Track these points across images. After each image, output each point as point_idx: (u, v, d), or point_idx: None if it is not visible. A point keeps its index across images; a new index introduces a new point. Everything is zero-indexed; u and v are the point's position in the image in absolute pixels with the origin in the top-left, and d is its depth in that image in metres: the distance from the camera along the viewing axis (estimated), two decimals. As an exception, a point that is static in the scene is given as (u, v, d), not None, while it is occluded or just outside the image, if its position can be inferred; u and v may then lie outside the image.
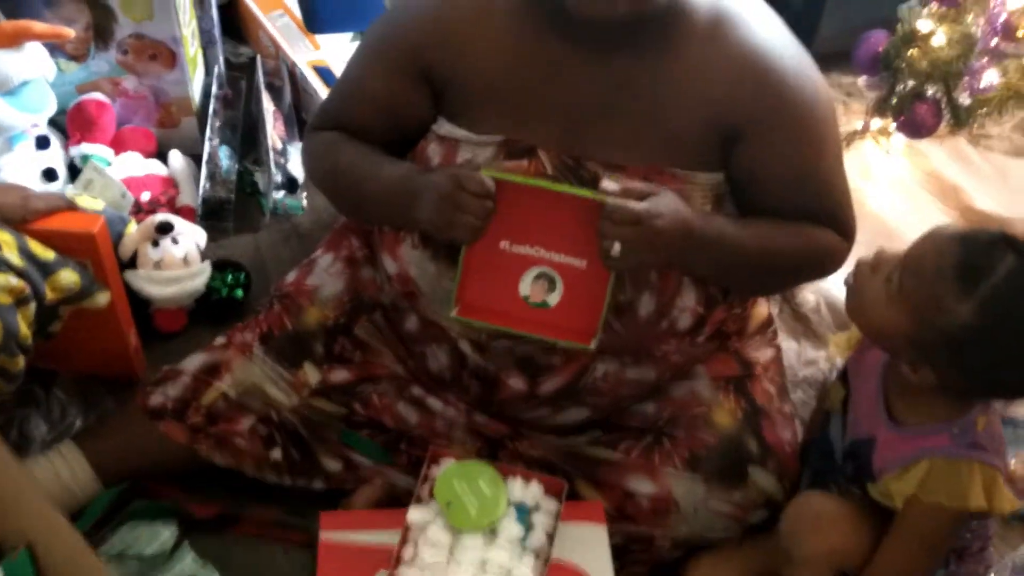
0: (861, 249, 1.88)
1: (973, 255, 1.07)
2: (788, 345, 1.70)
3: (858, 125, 2.05)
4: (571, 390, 1.30)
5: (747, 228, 1.22)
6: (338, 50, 2.00)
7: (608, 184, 1.10)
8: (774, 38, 1.21)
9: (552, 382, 1.29)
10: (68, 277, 1.27)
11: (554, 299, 1.16)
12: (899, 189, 2.04)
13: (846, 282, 1.22)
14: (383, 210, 1.28)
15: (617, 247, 1.08)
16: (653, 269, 1.19)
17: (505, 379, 1.30)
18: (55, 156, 1.74)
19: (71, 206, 1.37)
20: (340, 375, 1.35)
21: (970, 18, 1.70)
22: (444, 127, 1.26)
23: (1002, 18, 1.56)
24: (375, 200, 1.27)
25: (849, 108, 2.21)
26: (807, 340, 1.74)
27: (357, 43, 1.99)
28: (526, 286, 1.16)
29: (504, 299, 1.17)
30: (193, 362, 1.37)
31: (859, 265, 1.21)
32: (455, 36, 1.22)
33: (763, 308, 1.47)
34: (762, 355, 1.42)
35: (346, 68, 1.36)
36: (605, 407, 1.34)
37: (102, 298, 1.34)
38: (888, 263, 1.16)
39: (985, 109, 1.67)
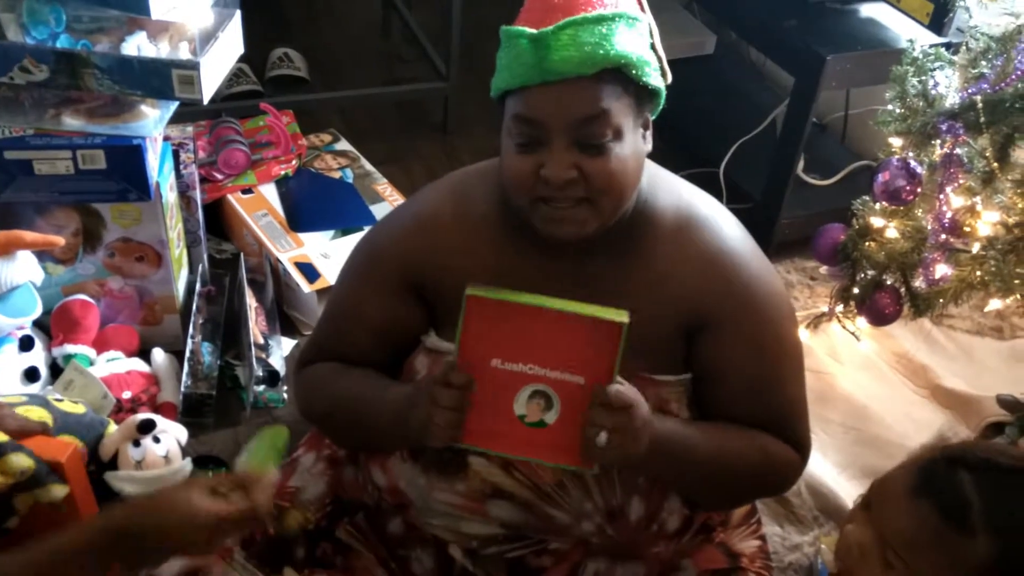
0: (837, 430, 1.94)
1: (945, 499, 1.07)
2: (772, 530, 1.69)
3: (824, 308, 2.11)
4: None
5: (700, 431, 1.22)
6: (321, 247, 2.07)
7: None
8: (739, 242, 1.25)
9: None
10: (20, 462, 1.24)
11: (551, 417, 1.10)
12: (869, 370, 2.08)
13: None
14: (386, 433, 1.25)
15: (604, 436, 1.06)
16: (626, 467, 1.17)
17: None
18: (37, 356, 1.76)
19: (45, 430, 1.36)
20: (321, 579, 1.33)
21: (920, 212, 1.79)
22: (431, 340, 1.28)
23: (948, 215, 1.64)
24: (377, 421, 1.24)
25: (814, 292, 2.29)
26: (790, 524, 1.73)
27: (339, 241, 2.08)
28: (521, 405, 1.11)
29: (499, 420, 1.11)
30: (172, 568, 1.33)
31: (843, 555, 1.19)
32: (438, 247, 1.26)
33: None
34: (747, 546, 1.41)
35: (333, 297, 1.38)
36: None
37: (58, 491, 1.32)
38: (872, 545, 1.13)
39: (942, 300, 1.73)
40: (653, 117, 1.19)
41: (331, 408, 1.32)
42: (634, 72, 1.09)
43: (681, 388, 1.25)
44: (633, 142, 1.13)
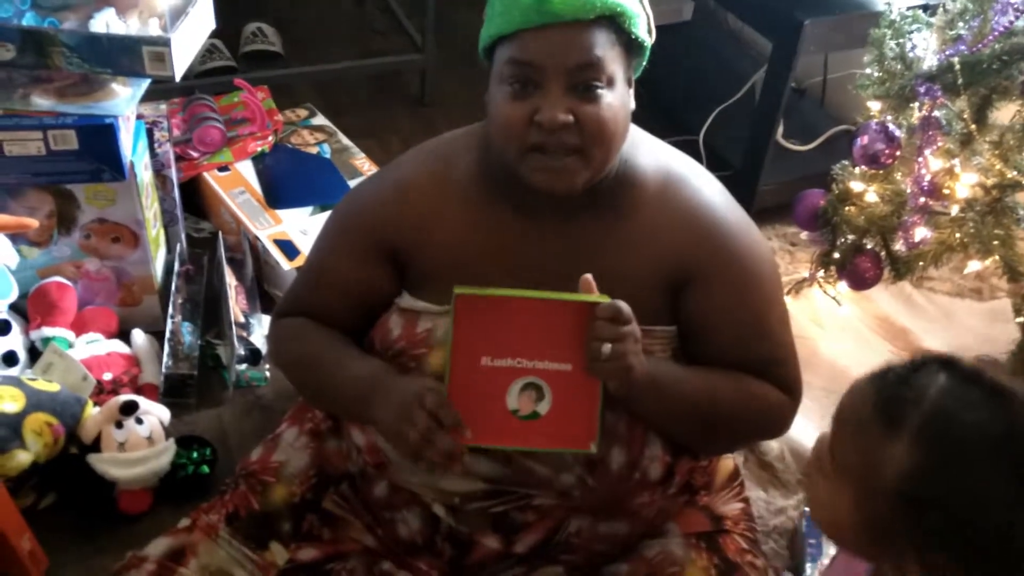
0: (819, 394, 1.95)
1: (892, 387, 0.89)
2: (756, 494, 1.71)
3: (805, 274, 2.12)
4: (545, 547, 1.29)
5: (690, 371, 1.25)
6: (299, 223, 2.05)
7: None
8: (718, 197, 1.28)
9: (527, 540, 1.29)
10: None
11: (544, 408, 1.13)
12: (851, 334, 2.09)
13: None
14: (345, 403, 1.28)
15: (608, 347, 1.08)
16: (624, 393, 1.16)
17: (480, 540, 1.29)
18: (15, 340, 1.74)
19: None
20: (308, 553, 1.33)
21: (899, 175, 1.79)
22: (406, 300, 1.29)
23: (927, 178, 1.65)
24: (338, 393, 1.28)
25: (795, 257, 2.29)
26: (775, 489, 1.75)
27: (318, 217, 2.07)
28: (513, 399, 1.13)
29: (494, 418, 1.13)
30: (157, 547, 1.34)
31: (808, 467, 1.08)
32: (416, 213, 1.27)
33: (729, 461, 1.49)
34: (731, 509, 1.43)
35: (311, 253, 1.40)
36: (579, 565, 1.33)
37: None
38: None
39: (922, 263, 1.74)
40: (636, 76, 1.21)
41: (297, 365, 1.35)
42: (627, 22, 1.12)
43: (665, 339, 1.27)
44: (623, 94, 1.15)
